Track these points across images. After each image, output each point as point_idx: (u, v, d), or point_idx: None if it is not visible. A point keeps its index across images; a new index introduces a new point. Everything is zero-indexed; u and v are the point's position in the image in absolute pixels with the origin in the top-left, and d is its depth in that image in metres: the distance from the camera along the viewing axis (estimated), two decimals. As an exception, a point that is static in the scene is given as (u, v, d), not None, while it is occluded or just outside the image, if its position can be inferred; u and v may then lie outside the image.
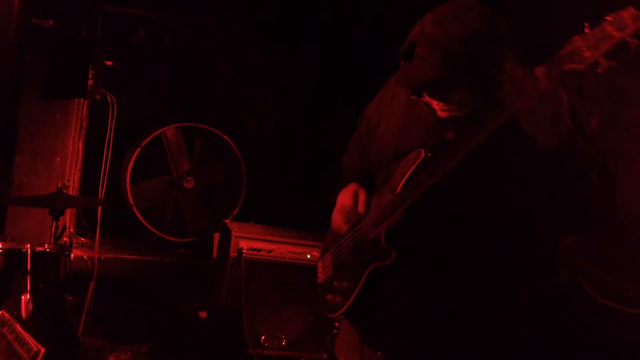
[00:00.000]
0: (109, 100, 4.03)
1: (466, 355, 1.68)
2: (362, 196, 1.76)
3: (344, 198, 1.81)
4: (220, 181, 5.00)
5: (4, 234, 3.62)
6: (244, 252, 3.57)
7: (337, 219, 1.83)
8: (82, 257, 3.75)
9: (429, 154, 1.64)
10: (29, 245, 2.46)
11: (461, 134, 1.56)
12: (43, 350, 2.07)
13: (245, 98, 5.18)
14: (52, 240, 2.96)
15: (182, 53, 4.99)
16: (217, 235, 4.40)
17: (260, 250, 3.63)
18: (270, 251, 3.64)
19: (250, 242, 3.63)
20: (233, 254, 3.57)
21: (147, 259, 4.35)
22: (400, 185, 1.66)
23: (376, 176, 1.83)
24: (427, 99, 1.67)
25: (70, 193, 3.73)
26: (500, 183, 1.59)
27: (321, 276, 1.96)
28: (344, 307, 1.78)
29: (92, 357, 3.33)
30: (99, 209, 3.88)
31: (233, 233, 3.59)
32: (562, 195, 1.52)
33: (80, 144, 4.25)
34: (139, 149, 4.70)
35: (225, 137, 4.93)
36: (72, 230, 4.14)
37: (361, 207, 1.75)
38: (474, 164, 1.53)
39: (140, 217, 4.75)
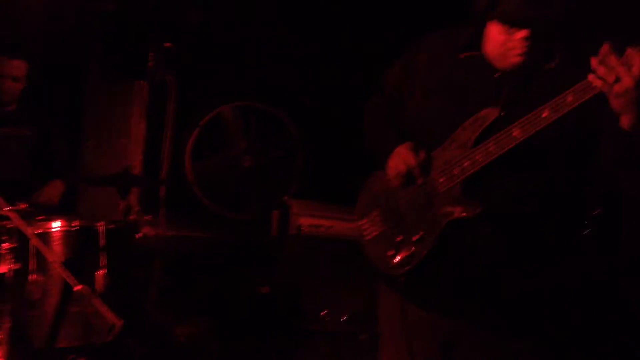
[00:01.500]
0: (169, 81, 4.11)
1: (529, 309, 1.78)
2: (422, 152, 1.81)
3: (400, 154, 1.84)
4: (278, 158, 5.05)
5: (75, 212, 3.76)
6: (303, 229, 3.60)
7: (394, 174, 1.85)
8: (148, 234, 3.86)
9: (502, 113, 1.71)
10: (103, 223, 2.56)
11: (541, 93, 1.66)
12: (120, 322, 2.16)
13: (300, 75, 5.19)
14: (120, 218, 3.07)
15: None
16: (276, 213, 4.47)
17: (319, 226, 3.66)
18: (329, 227, 3.66)
19: (309, 219, 3.65)
20: (292, 231, 3.61)
21: (208, 236, 4.46)
22: (473, 140, 1.73)
23: (422, 139, 1.85)
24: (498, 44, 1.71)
25: (135, 173, 3.85)
26: (567, 145, 1.71)
27: (370, 233, 1.97)
28: (417, 260, 1.81)
29: (160, 332, 3.46)
30: (162, 188, 3.99)
31: (292, 210, 3.62)
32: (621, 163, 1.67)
33: (143, 125, 4.36)
34: (197, 129, 4.79)
35: (282, 114, 4.96)
36: (137, 208, 4.27)
37: (421, 162, 1.79)
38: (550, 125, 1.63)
39: (200, 195, 4.86)
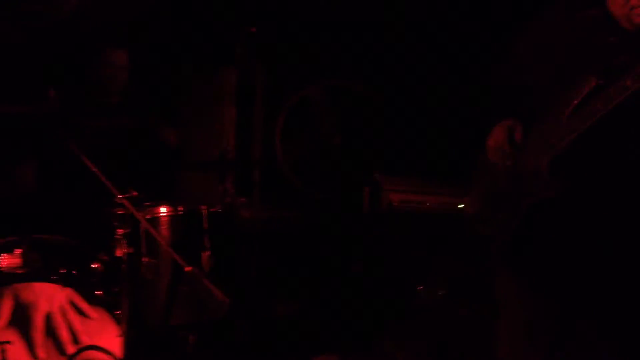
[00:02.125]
0: (256, 66, 4.18)
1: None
2: (518, 128, 1.75)
3: (495, 132, 1.81)
4: (367, 135, 5.07)
5: (175, 197, 3.93)
6: (394, 205, 3.61)
7: (490, 152, 1.82)
8: (244, 216, 3.99)
9: (600, 81, 1.60)
10: (205, 207, 2.68)
11: None
12: (228, 301, 2.26)
13: (386, 51, 5.16)
14: (218, 201, 3.19)
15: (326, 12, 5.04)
16: (367, 190, 4.49)
17: (410, 202, 3.65)
18: (421, 202, 3.65)
19: (400, 194, 3.65)
20: (384, 207, 3.62)
21: (301, 216, 4.54)
22: (567, 113, 1.61)
23: (533, 104, 1.80)
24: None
25: (230, 157, 3.97)
26: None
27: (471, 208, 1.96)
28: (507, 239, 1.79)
29: (262, 310, 3.58)
30: (256, 170, 4.09)
31: (383, 186, 3.63)
32: None
33: (233, 110, 4.49)
34: (286, 111, 4.87)
35: (370, 91, 4.96)
36: (232, 192, 4.41)
37: (518, 138, 1.74)
38: None
39: (292, 176, 4.95)
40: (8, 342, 2.22)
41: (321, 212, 4.72)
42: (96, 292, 2.42)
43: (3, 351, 2.23)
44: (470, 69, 4.68)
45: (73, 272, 2.42)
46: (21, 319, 2.26)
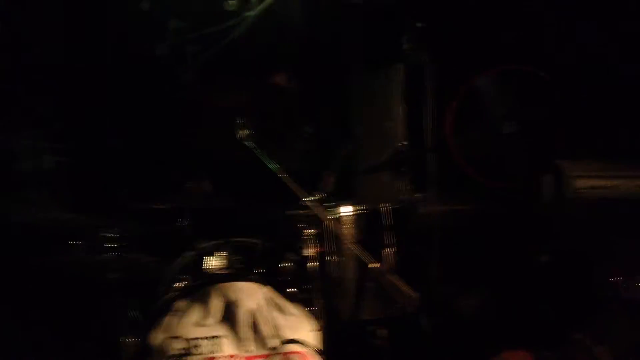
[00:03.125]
0: (424, 60, 4.18)
1: None
2: None
3: None
4: (542, 120, 4.84)
5: (353, 197, 4.05)
6: (581, 192, 3.42)
7: None
8: (422, 212, 4.00)
9: None
10: (386, 205, 2.74)
11: None
12: (416, 295, 2.30)
13: (556, 33, 4.90)
14: (396, 199, 3.24)
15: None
16: (547, 177, 4.29)
17: (599, 187, 3.44)
18: (611, 187, 3.42)
19: (586, 180, 3.45)
20: (569, 194, 3.45)
21: (479, 208, 4.46)
22: None
23: None
24: None
25: (403, 154, 4.00)
26: None
27: None
28: None
29: (445, 303, 3.58)
30: (430, 165, 4.09)
31: (566, 172, 3.46)
32: None
33: (403, 107, 4.52)
34: (456, 102, 4.80)
35: (542, 74, 4.74)
36: (409, 188, 4.44)
37: None
38: None
39: (467, 168, 4.87)
40: (219, 336, 2.45)
41: (500, 203, 4.59)
42: (290, 290, 2.58)
43: (215, 344, 2.47)
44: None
45: (269, 271, 2.61)
46: (228, 316, 2.48)
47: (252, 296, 2.50)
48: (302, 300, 2.56)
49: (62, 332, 3.41)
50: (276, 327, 2.49)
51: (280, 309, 2.52)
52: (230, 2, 4.64)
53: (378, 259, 2.52)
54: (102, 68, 4.94)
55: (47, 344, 3.33)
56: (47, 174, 5.24)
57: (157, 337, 2.47)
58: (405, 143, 4.45)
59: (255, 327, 2.49)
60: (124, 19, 4.79)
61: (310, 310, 2.51)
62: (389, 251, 2.67)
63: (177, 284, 2.58)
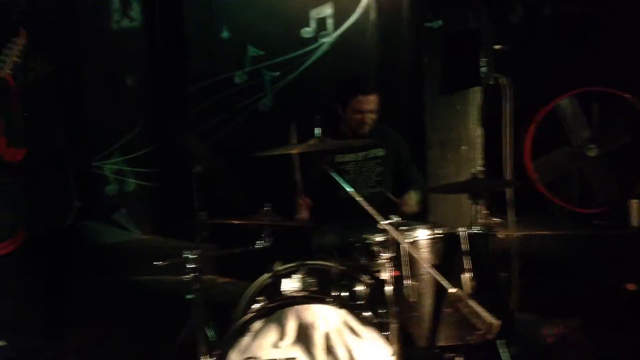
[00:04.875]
0: (503, 83, 4.11)
1: None
2: None
3: None
4: (627, 143, 4.66)
5: (427, 221, 4.01)
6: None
7: None
8: (500, 237, 3.91)
9: None
10: (464, 229, 2.69)
11: None
12: (497, 323, 2.24)
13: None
14: (472, 223, 3.17)
15: (563, 19, 4.82)
16: (633, 202, 4.11)
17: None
18: None
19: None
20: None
21: (560, 233, 4.32)
22: None
23: None
24: None
25: (480, 177, 3.93)
26: None
27: None
28: None
29: (525, 331, 3.46)
30: (508, 189, 4.00)
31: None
32: None
33: (480, 130, 4.46)
34: (535, 125, 4.70)
35: (627, 95, 4.57)
36: (486, 212, 4.36)
37: None
38: None
39: (546, 192, 4.74)
40: (295, 358, 2.46)
41: (582, 228, 4.43)
42: (365, 314, 2.56)
43: (290, 366, 2.48)
44: None
45: (343, 294, 2.61)
46: (303, 338, 2.49)
47: (327, 319, 2.50)
48: (377, 324, 2.53)
49: (142, 349, 3.53)
50: (351, 351, 2.47)
51: (355, 333, 2.51)
52: (307, 29, 4.74)
53: (456, 284, 2.47)
54: (185, 94, 5.15)
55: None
56: (131, 197, 5.49)
57: (234, 357, 2.50)
58: (483, 167, 4.38)
59: (330, 350, 2.48)
60: (207, 47, 4.98)
61: (385, 334, 2.48)
62: (467, 276, 2.60)
63: (254, 305, 2.61)
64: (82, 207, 5.08)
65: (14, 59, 2.61)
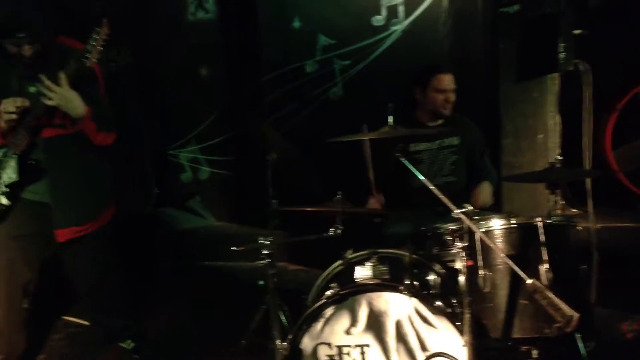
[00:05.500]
0: (582, 69, 3.96)
1: None
2: None
3: None
4: None
5: (502, 210, 3.94)
6: None
7: None
8: (578, 228, 3.79)
9: None
10: (541, 219, 2.62)
11: None
12: (577, 315, 2.18)
13: None
14: (549, 213, 3.08)
15: None
16: None
17: None
18: None
19: None
20: None
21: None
22: None
23: None
24: None
25: (559, 166, 3.81)
26: None
27: None
28: None
29: (603, 326, 3.36)
30: (588, 179, 3.86)
31: None
32: None
33: (557, 118, 4.32)
34: (616, 113, 4.52)
35: None
36: (563, 202, 4.23)
37: None
38: None
39: (627, 182, 4.57)
40: (367, 345, 2.48)
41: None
42: (437, 303, 2.55)
43: (363, 353, 2.50)
44: None
45: (416, 283, 2.60)
46: (375, 325, 2.50)
47: (399, 307, 2.50)
48: (449, 314, 2.51)
49: (217, 331, 3.63)
50: (422, 340, 2.47)
51: (427, 322, 2.50)
52: (378, 17, 4.71)
53: (533, 275, 2.42)
54: (258, 84, 5.23)
55: (202, 342, 3.56)
56: (206, 184, 5.64)
57: (307, 343, 2.54)
58: (561, 156, 4.25)
59: (401, 338, 2.48)
60: (279, 37, 5.04)
61: (457, 325, 2.46)
62: (544, 268, 2.54)
63: (326, 292, 2.64)
64: (160, 194, 5.27)
65: (99, 48, 2.72)
